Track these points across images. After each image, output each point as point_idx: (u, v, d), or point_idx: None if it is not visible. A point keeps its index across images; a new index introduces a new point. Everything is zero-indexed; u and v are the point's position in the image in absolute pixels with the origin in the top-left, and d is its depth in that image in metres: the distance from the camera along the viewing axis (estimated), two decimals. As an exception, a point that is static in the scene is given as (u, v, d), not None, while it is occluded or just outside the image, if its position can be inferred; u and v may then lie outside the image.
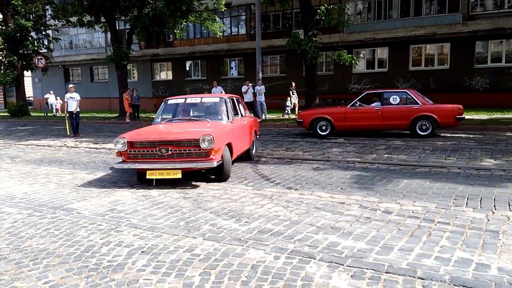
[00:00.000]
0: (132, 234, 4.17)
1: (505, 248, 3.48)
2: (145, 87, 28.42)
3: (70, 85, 14.58)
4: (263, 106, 17.15)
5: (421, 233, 3.90)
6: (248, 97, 17.02)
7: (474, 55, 19.71)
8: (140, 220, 4.61)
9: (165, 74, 29.47)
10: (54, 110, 26.83)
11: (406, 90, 11.42)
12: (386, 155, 8.37)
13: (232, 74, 26.84)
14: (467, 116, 15.33)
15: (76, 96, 13.93)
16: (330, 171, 7.00)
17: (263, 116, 17.22)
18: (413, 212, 4.56)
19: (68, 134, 14.30)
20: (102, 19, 21.52)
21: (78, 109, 14.01)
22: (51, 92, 27.35)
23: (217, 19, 21.82)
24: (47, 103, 26.45)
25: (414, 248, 3.55)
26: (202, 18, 20.64)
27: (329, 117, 11.50)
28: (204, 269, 3.32)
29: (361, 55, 22.72)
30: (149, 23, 19.11)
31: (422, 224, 4.16)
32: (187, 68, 28.42)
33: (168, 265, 3.40)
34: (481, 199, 4.93)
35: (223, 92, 18.37)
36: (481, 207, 4.62)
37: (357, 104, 11.38)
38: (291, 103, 18.52)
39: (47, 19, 26.23)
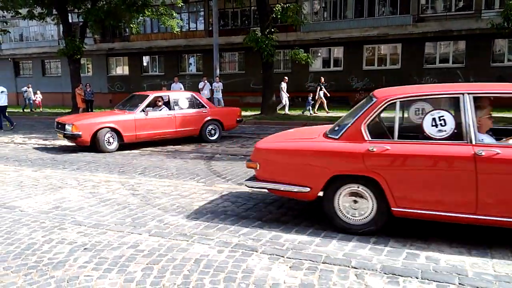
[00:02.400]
0: (76, 232, 4.10)
1: (433, 239, 3.73)
2: (100, 82, 27.60)
3: None
4: (220, 102, 17.15)
5: (360, 225, 4.09)
6: (205, 94, 16.96)
7: (423, 55, 20.63)
8: (85, 218, 4.54)
9: (121, 69, 28.74)
10: (30, 106, 24.40)
11: (192, 93, 11.00)
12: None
13: (191, 70, 26.59)
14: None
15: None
16: (282, 167, 7.14)
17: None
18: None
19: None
20: (54, 12, 20.69)
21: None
22: (30, 85, 24.88)
23: (174, 14, 21.54)
24: (26, 98, 24.29)
25: (351, 239, 3.73)
26: (158, 13, 20.30)
27: (117, 127, 9.28)
28: (147, 264, 3.34)
29: (319, 54, 23.20)
30: (103, 16, 18.57)
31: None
32: (145, 64, 27.88)
33: (111, 261, 3.39)
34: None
35: (182, 89, 18.19)
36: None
37: (146, 110, 9.68)
38: (316, 99, 17.64)
39: (-6, 9, 24.85)
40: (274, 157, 4.27)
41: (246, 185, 4.51)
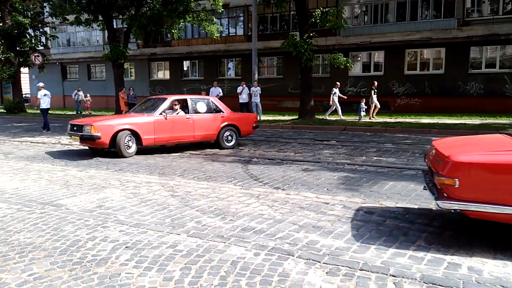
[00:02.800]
0: (118, 230, 4.26)
1: (478, 249, 3.58)
2: (142, 86, 28.48)
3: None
4: (258, 107, 17.25)
5: (399, 233, 4.01)
6: (243, 98, 17.13)
7: (468, 60, 19.87)
8: (127, 217, 4.70)
9: (162, 74, 29.56)
10: (78, 108, 25.31)
11: (210, 98, 10.82)
12: (375, 158, 8.49)
13: (229, 75, 26.93)
14: (460, 120, 15.50)
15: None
16: (319, 172, 7.10)
17: (258, 117, 17.31)
18: (394, 213, 4.67)
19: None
20: (100, 18, 21.61)
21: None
22: (80, 88, 25.83)
23: (214, 20, 21.93)
24: (77, 101, 25.14)
25: (390, 247, 3.66)
26: (199, 19, 20.75)
27: (136, 129, 9.11)
28: (185, 264, 3.41)
29: (358, 58, 22.87)
30: (146, 22, 19.20)
31: (401, 224, 4.27)
32: (185, 68, 28.52)
33: (151, 260, 3.49)
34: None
35: (221, 93, 18.49)
36: (460, 209, 4.73)
37: (166, 113, 9.51)
38: (370, 105, 17.08)
39: (44, 16, 26.28)
40: (488, 173, 3.49)
41: (439, 206, 3.69)
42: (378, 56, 22.41)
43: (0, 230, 4.30)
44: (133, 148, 9.20)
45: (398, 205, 4.95)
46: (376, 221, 4.41)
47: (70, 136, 9.76)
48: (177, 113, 9.84)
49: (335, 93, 17.35)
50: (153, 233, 4.15)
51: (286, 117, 18.61)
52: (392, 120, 16.64)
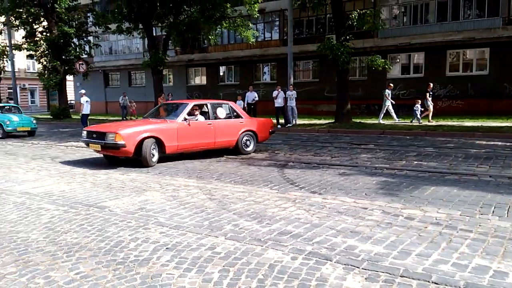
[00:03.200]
0: (158, 232, 4.38)
1: (526, 257, 3.42)
2: (180, 92, 29.14)
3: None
4: (294, 111, 17.23)
5: (442, 240, 3.88)
6: (279, 102, 17.16)
7: (515, 60, 19.00)
8: (167, 219, 4.83)
9: (199, 79, 30.13)
10: (123, 113, 25.65)
11: (228, 102, 10.47)
12: (416, 162, 8.27)
13: (265, 79, 27.08)
14: (507, 123, 14.81)
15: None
16: (356, 177, 7.00)
17: (294, 121, 17.28)
18: (436, 219, 4.53)
19: None
20: (140, 26, 22.35)
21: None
22: (125, 94, 26.35)
23: (250, 25, 22.15)
24: (123, 106, 25.52)
25: (432, 254, 3.55)
26: (235, 25, 21.02)
27: (160, 136, 8.68)
28: (223, 266, 3.46)
29: (397, 60, 22.38)
30: (184, 29, 19.67)
31: (443, 231, 4.14)
32: (221, 73, 28.94)
33: (190, 262, 3.57)
34: (509, 208, 4.83)
35: (257, 97, 18.65)
36: (507, 216, 4.53)
37: (188, 119, 9.21)
38: (426, 107, 16.55)
39: (88, 26, 27.48)
40: None
41: None
42: (418, 58, 21.85)
43: (48, 230, 4.53)
44: (156, 156, 8.76)
45: (440, 211, 4.80)
46: (417, 227, 4.29)
47: (87, 145, 9.12)
48: (196, 119, 9.56)
49: (388, 94, 16.82)
50: (192, 235, 4.24)
51: (322, 121, 18.46)
52: (433, 123, 16.13)
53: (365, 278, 3.15)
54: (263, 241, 4.00)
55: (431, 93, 16.46)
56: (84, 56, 28.28)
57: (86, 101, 15.47)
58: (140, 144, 8.42)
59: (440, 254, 3.56)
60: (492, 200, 5.18)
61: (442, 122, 16.25)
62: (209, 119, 9.70)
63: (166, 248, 3.89)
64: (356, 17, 16.59)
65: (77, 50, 26.93)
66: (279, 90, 17.44)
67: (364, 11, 17.14)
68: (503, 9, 19.09)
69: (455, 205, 5.02)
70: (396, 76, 22.16)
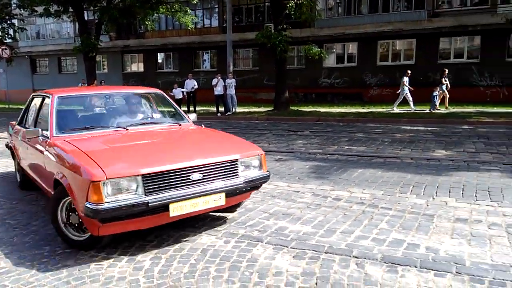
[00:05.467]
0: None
1: (436, 230, 3.78)
2: (115, 79, 28.02)
3: None
4: (233, 99, 17.27)
5: (364, 218, 4.17)
6: (219, 90, 17.11)
7: (438, 51, 20.38)
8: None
9: (136, 66, 29.15)
10: None
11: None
12: (346, 147, 8.68)
13: (205, 67, 26.80)
14: (427, 109, 15.87)
15: None
16: (292, 162, 7.23)
17: (233, 109, 17.36)
18: (360, 199, 4.83)
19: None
20: (70, 9, 21.09)
21: None
22: (84, 80, 23.04)
23: (188, 11, 21.73)
24: None
25: (354, 231, 3.81)
26: (173, 10, 20.52)
27: None
28: (155, 254, 3.47)
29: (333, 50, 23.11)
30: (117, 15, 18.85)
31: (366, 209, 4.43)
32: (159, 60, 28.21)
33: (120, 251, 3.53)
34: (425, 186, 5.26)
35: (196, 85, 18.46)
36: (423, 194, 4.94)
37: None
38: (442, 93, 15.76)
39: (12, 8, 25.44)
40: None
41: None
42: (352, 48, 22.71)
43: None
44: None
45: (364, 191, 5.12)
46: (343, 207, 4.56)
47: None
48: None
49: (406, 81, 16.14)
50: (124, 224, 4.17)
51: (262, 109, 18.70)
52: (365, 110, 16.97)
53: (293, 256, 3.32)
54: (196, 227, 4.05)
55: (446, 79, 15.79)
56: (8, 40, 26.16)
57: None
58: None
59: (362, 230, 3.82)
60: (411, 180, 5.61)
61: (373, 109, 17.12)
62: None
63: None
64: (293, 7, 16.87)
65: (0, 34, 24.87)
66: (219, 78, 17.36)
67: (301, 1, 17.45)
68: (428, 2, 20.33)
69: (379, 186, 5.38)
70: (332, 65, 22.91)
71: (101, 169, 3.17)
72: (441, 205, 4.49)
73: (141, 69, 28.68)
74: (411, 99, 16.23)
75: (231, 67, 18.21)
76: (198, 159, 3.55)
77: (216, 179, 3.58)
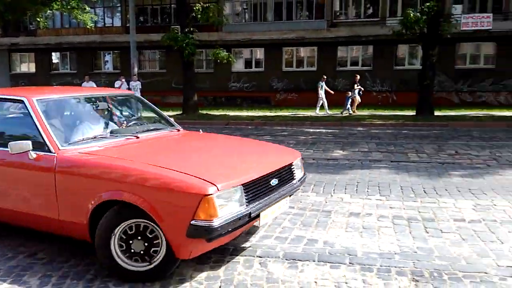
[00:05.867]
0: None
1: (333, 225, 4.03)
2: (1, 81, 25.31)
3: None
4: (138, 102, 16.62)
5: (268, 217, 4.27)
6: (123, 93, 16.34)
7: (336, 59, 21.88)
8: None
9: (26, 66, 26.68)
10: None
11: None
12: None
13: (107, 68, 25.50)
14: (335, 112, 16.88)
15: None
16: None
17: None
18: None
19: None
20: None
21: None
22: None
23: (87, 8, 20.47)
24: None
25: (259, 231, 3.89)
26: (69, 7, 19.15)
27: None
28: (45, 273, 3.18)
29: (241, 55, 23.51)
30: (3, 9, 17.05)
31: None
32: (55, 61, 26.17)
33: (5, 271, 3.18)
34: (324, 184, 5.58)
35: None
36: (322, 192, 5.24)
37: None
38: (353, 98, 16.41)
39: None
40: None
41: None
42: (259, 53, 23.34)
43: None
44: None
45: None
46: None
47: None
48: None
49: (321, 86, 16.67)
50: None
51: (170, 112, 18.24)
52: (272, 114, 17.53)
53: (197, 263, 3.27)
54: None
55: (357, 84, 16.60)
56: None
57: None
58: None
59: (266, 230, 3.92)
60: (313, 179, 5.90)
61: (280, 113, 17.76)
62: None
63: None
64: (200, 10, 16.82)
65: None
66: (122, 80, 16.61)
67: (207, 4, 17.46)
68: (327, 13, 21.74)
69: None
70: (240, 70, 23.31)
71: (208, 181, 2.73)
72: (338, 201, 4.80)
73: (33, 69, 26.31)
74: (325, 102, 16.94)
75: (136, 69, 17.58)
76: (273, 164, 3.43)
77: (286, 183, 3.50)
